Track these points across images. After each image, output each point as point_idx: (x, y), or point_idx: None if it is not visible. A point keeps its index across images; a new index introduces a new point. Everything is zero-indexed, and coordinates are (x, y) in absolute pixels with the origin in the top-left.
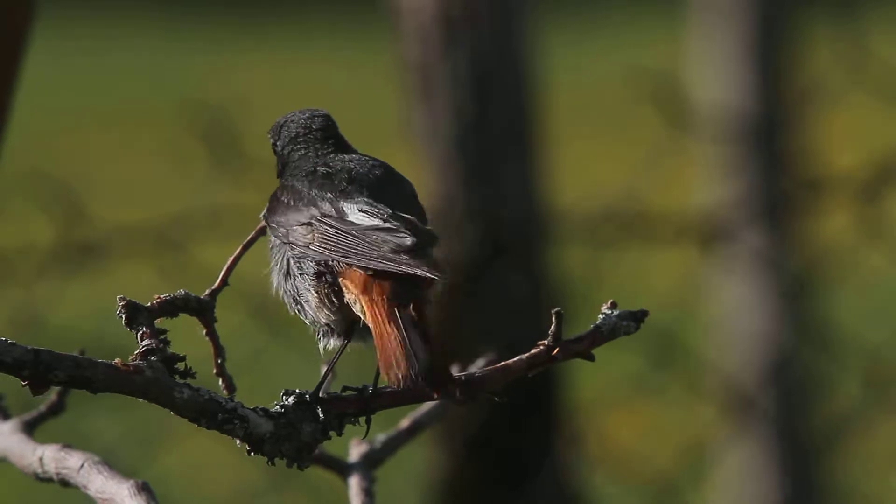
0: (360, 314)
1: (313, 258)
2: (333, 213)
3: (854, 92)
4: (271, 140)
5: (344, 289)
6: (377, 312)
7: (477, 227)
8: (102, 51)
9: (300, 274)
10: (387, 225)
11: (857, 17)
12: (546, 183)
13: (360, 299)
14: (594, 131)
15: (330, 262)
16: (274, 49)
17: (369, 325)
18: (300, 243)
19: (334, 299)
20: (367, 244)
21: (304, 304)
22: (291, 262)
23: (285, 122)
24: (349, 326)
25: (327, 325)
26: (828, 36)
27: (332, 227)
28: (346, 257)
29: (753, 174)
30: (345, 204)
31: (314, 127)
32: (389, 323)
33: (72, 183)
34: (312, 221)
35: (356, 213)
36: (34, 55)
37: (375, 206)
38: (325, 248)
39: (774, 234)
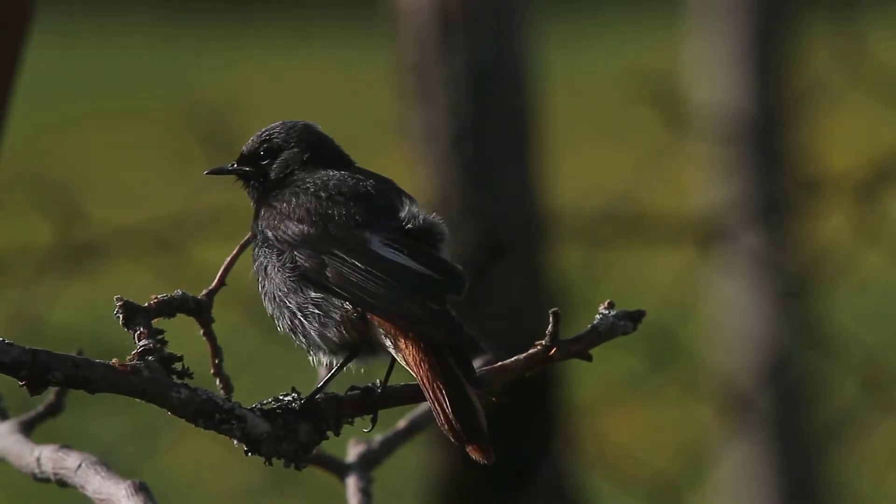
0: (399, 359)
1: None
2: (353, 244)
3: (852, 93)
4: (255, 147)
5: (378, 326)
6: (423, 370)
7: (475, 227)
8: (100, 51)
9: (317, 297)
10: (419, 268)
11: (855, 19)
12: (544, 183)
13: (399, 346)
14: (592, 132)
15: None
16: (272, 49)
17: (413, 375)
18: (312, 275)
19: (355, 330)
20: (394, 294)
21: (311, 322)
22: (300, 280)
23: (278, 130)
24: (356, 350)
25: (333, 346)
26: (826, 37)
27: (352, 267)
28: (371, 308)
29: (751, 175)
30: (368, 233)
31: (313, 138)
32: (438, 385)
33: (70, 184)
34: (326, 257)
35: (383, 247)
36: (32, 55)
37: (402, 239)
38: (343, 289)
39: (772, 234)
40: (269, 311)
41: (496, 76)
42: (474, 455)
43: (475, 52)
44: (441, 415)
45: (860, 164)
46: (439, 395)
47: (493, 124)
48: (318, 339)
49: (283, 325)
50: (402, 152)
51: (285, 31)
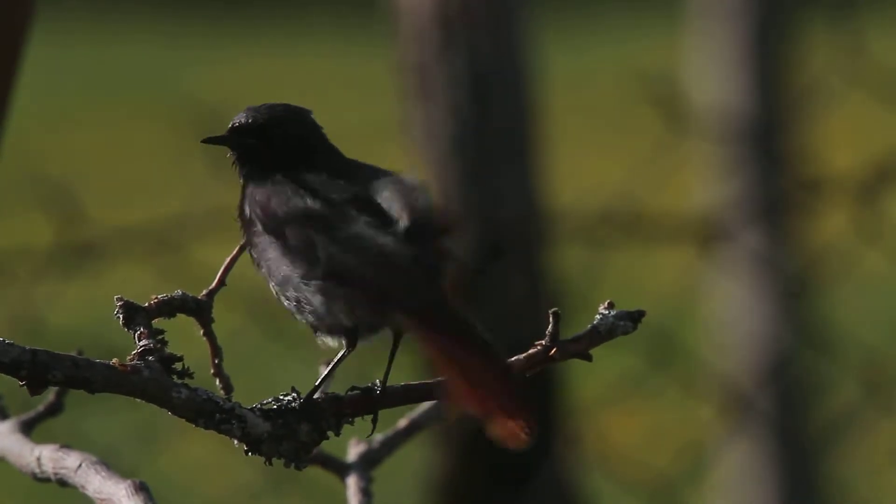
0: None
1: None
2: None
3: (852, 92)
4: (239, 129)
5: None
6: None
7: (475, 227)
8: (100, 50)
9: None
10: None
11: (855, 18)
12: (544, 183)
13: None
14: (592, 132)
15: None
16: (272, 48)
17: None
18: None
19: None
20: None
21: (318, 304)
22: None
23: (266, 115)
24: (357, 333)
25: (340, 326)
26: (826, 37)
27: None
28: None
29: (751, 174)
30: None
31: (304, 124)
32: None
33: (70, 183)
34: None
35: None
36: (32, 55)
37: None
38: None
39: (773, 234)
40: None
41: (496, 76)
42: (516, 430)
43: (475, 52)
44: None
45: (860, 164)
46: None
47: (493, 124)
48: (328, 320)
49: (297, 311)
50: (402, 152)
51: (285, 30)
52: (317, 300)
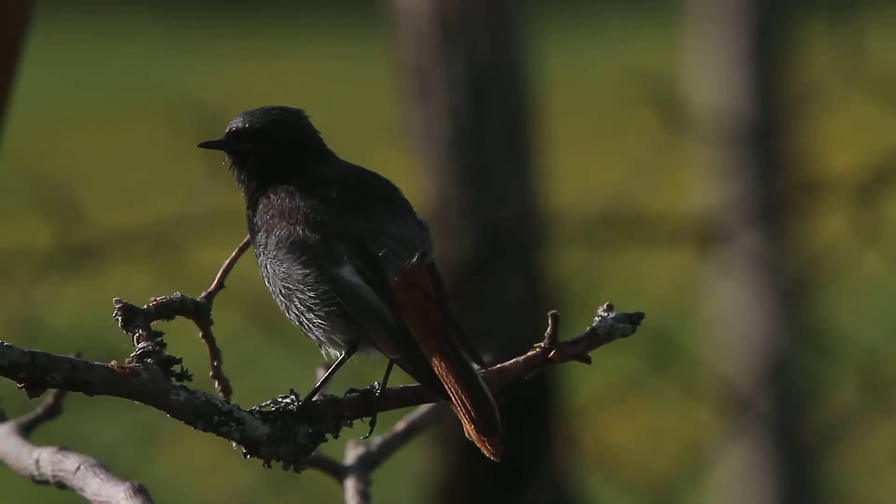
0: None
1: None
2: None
3: (851, 94)
4: (236, 134)
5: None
6: (442, 367)
7: (473, 228)
8: (99, 51)
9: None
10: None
11: (853, 20)
12: (543, 184)
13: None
14: (591, 133)
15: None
16: (271, 50)
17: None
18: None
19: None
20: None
21: (319, 325)
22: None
23: (262, 120)
24: (357, 342)
25: (339, 342)
26: (824, 38)
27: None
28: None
29: (750, 176)
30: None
31: (301, 128)
32: (457, 380)
33: (68, 185)
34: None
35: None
36: (31, 56)
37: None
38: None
39: (771, 235)
40: (280, 305)
41: (495, 77)
42: (489, 448)
43: (474, 53)
44: (462, 410)
45: (859, 165)
46: (460, 390)
47: (492, 125)
48: (329, 337)
49: (303, 326)
50: (401, 153)
51: (284, 31)
52: (315, 326)
